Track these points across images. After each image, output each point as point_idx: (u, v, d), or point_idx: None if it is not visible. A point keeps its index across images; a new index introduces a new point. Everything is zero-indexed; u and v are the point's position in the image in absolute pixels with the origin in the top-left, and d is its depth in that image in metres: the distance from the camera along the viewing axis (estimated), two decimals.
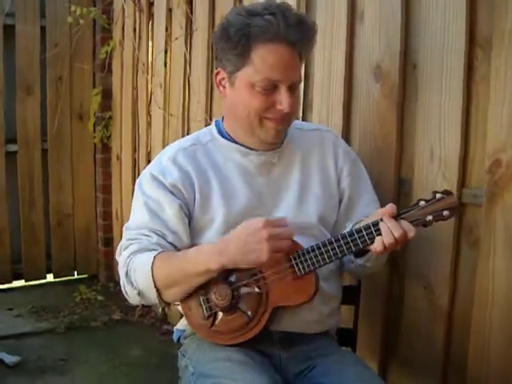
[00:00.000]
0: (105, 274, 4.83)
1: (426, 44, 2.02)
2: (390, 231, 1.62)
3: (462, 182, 1.94)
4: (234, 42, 1.71)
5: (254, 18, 1.69)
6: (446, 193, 1.65)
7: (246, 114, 1.78)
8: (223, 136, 1.91)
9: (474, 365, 1.90)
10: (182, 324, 1.98)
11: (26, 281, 4.74)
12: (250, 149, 1.87)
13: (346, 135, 2.34)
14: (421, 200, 1.66)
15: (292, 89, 1.76)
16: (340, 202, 1.96)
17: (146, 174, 1.89)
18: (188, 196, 1.83)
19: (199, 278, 1.71)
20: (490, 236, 1.82)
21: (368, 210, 1.90)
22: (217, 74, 1.83)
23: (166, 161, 1.87)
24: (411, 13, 2.09)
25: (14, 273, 4.70)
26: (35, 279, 4.77)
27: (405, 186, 2.14)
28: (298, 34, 1.70)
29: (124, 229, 1.88)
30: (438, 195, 1.65)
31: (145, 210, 1.82)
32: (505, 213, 1.78)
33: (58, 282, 4.86)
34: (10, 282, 4.70)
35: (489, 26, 1.83)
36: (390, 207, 1.66)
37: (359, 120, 2.31)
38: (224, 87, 1.83)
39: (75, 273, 4.97)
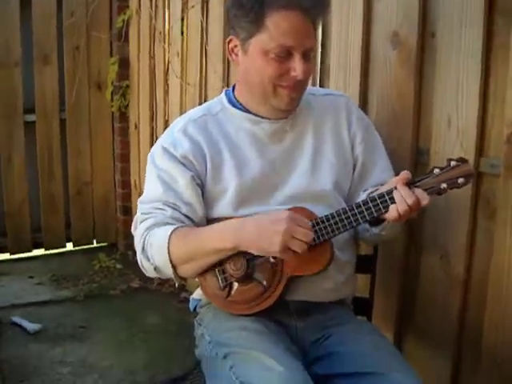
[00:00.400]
0: (124, 243, 4.86)
1: (444, 12, 1.99)
2: (403, 199, 1.61)
3: (480, 152, 1.92)
4: (246, 8, 1.69)
5: None
6: (461, 160, 1.64)
7: (259, 81, 1.76)
8: (234, 105, 1.89)
9: (490, 335, 1.90)
10: (198, 293, 1.99)
11: (45, 249, 4.80)
12: (262, 117, 1.85)
13: (364, 102, 2.32)
14: (435, 168, 1.65)
15: (306, 56, 1.74)
16: (354, 168, 1.94)
17: (157, 146, 1.89)
18: (199, 167, 1.83)
19: (215, 255, 1.72)
20: (506, 208, 1.81)
21: (382, 176, 1.89)
22: (229, 41, 1.81)
23: (177, 132, 1.86)
24: None
25: (34, 242, 4.76)
26: (55, 248, 4.83)
27: (422, 155, 2.12)
28: (311, 1, 1.68)
29: (138, 202, 1.88)
30: (453, 163, 1.63)
31: (158, 183, 1.82)
32: None
33: (78, 250, 4.91)
34: (30, 250, 4.76)
35: None
36: (405, 174, 1.65)
37: (376, 87, 2.28)
38: (236, 55, 1.81)
39: (94, 241, 5.02)
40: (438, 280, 2.08)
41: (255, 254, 1.68)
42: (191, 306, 2.05)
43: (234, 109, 1.89)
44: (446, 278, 2.05)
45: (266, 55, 1.71)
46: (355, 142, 1.94)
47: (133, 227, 1.90)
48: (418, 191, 1.62)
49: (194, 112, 1.94)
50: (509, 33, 1.78)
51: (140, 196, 1.89)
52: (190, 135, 1.85)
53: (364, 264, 2.08)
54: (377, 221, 1.77)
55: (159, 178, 1.83)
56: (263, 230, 1.62)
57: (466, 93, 1.92)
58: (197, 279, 1.85)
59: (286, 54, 1.71)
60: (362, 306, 2.11)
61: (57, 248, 4.84)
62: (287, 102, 1.79)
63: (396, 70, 2.17)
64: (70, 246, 4.90)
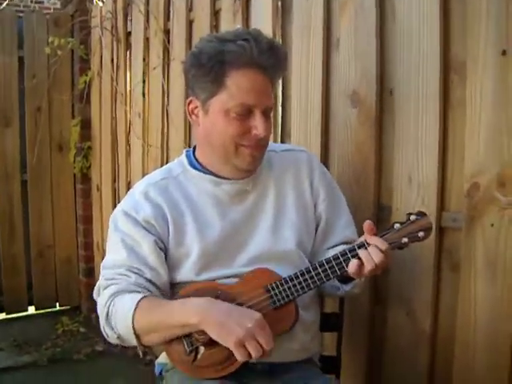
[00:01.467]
0: (87, 305, 4.77)
1: (401, 70, 2.03)
2: (370, 258, 1.62)
3: (442, 206, 1.94)
4: (206, 68, 1.70)
5: (227, 44, 1.69)
6: (420, 214, 1.67)
7: (221, 142, 1.76)
8: (194, 167, 1.89)
9: None
10: (163, 357, 1.95)
11: (7, 313, 4.69)
12: (223, 178, 1.85)
13: (325, 161, 2.34)
14: (395, 223, 1.67)
15: (266, 114, 1.75)
16: (317, 226, 1.95)
17: (118, 210, 1.87)
18: (162, 230, 1.81)
19: (179, 329, 1.68)
20: (470, 260, 1.82)
21: (345, 233, 1.91)
22: (189, 103, 1.82)
23: (138, 196, 1.85)
24: (386, 40, 2.10)
25: None
26: (16, 311, 4.73)
27: (384, 211, 2.14)
28: (270, 60, 1.71)
29: (101, 267, 1.85)
30: (412, 217, 1.66)
31: (121, 247, 1.80)
32: (484, 236, 1.78)
33: (40, 314, 4.82)
34: None
35: (463, 50, 1.84)
36: (368, 225, 1.67)
37: (337, 147, 2.31)
38: (197, 116, 1.82)
39: (57, 304, 4.93)
40: (405, 336, 2.07)
41: (213, 338, 1.61)
42: (157, 370, 2.01)
43: (194, 171, 1.88)
44: (413, 334, 2.04)
45: (227, 115, 1.72)
46: (318, 199, 1.94)
47: (95, 293, 1.86)
48: (376, 240, 1.64)
49: (155, 175, 1.94)
50: (464, 90, 1.82)
51: (103, 258, 1.87)
52: (151, 199, 1.83)
53: (330, 322, 2.07)
54: (347, 278, 1.78)
55: (122, 243, 1.81)
56: (230, 318, 1.58)
57: (426, 149, 1.95)
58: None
59: (246, 113, 1.72)
60: (330, 364, 2.09)
61: (18, 312, 4.73)
62: (249, 161, 1.79)
63: (356, 129, 2.20)
64: (32, 310, 4.80)
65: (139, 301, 1.70)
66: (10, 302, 4.68)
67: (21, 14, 4.65)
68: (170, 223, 1.81)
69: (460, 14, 1.86)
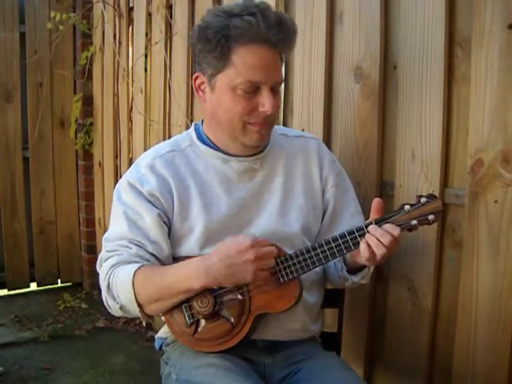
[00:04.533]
0: (89, 282, 4.80)
1: (405, 45, 2.01)
2: (379, 243, 1.59)
3: (444, 183, 1.93)
4: (213, 44, 1.66)
5: (233, 19, 1.64)
6: (431, 197, 1.64)
7: (228, 120, 1.73)
8: (203, 141, 1.87)
9: (459, 366, 1.88)
10: (163, 332, 1.96)
11: (8, 290, 4.71)
12: (231, 155, 1.83)
13: (327, 138, 2.33)
14: (405, 204, 1.64)
15: (274, 90, 1.72)
16: (324, 212, 1.93)
17: (123, 182, 1.85)
18: (166, 204, 1.79)
19: (182, 295, 1.69)
20: (472, 236, 1.82)
21: (352, 222, 1.87)
22: (196, 78, 1.78)
23: (144, 168, 1.82)
24: (390, 13, 2.09)
25: None
26: (18, 288, 4.74)
27: (387, 188, 2.13)
28: (278, 35, 1.66)
29: (103, 240, 1.84)
30: (423, 199, 1.63)
31: (124, 220, 1.78)
32: (487, 213, 1.77)
33: (42, 290, 4.83)
34: None
35: (468, 25, 1.82)
36: (377, 204, 1.65)
37: (340, 122, 2.29)
38: (203, 92, 1.78)
39: (59, 281, 4.95)
40: (406, 312, 2.07)
41: (227, 286, 1.66)
42: (157, 344, 2.01)
43: (203, 145, 1.86)
44: (415, 310, 2.04)
45: (234, 91, 1.69)
46: (327, 186, 1.92)
47: (97, 265, 1.86)
48: (388, 226, 1.61)
49: (162, 147, 1.90)
50: (469, 65, 1.80)
51: (105, 233, 1.86)
52: (157, 171, 1.81)
53: (332, 298, 2.06)
54: (355, 268, 1.77)
55: (125, 215, 1.79)
56: (231, 262, 1.59)
57: (429, 125, 1.94)
58: (163, 317, 1.82)
59: (253, 90, 1.68)
60: (331, 341, 2.09)
61: (20, 288, 4.75)
62: (257, 138, 1.76)
63: (359, 104, 2.18)
64: (33, 286, 4.82)
65: (138, 268, 1.70)
66: (12, 279, 4.69)
67: None
68: (175, 197, 1.79)
69: None
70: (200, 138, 1.88)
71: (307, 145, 1.95)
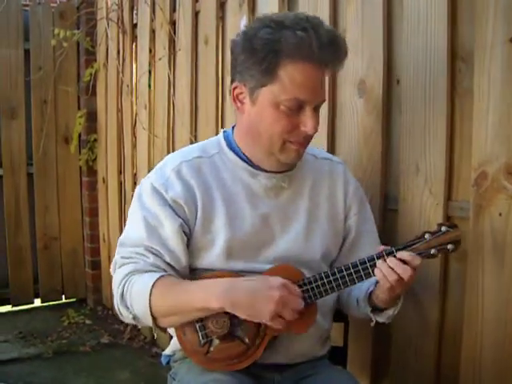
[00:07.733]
0: (93, 298, 4.79)
1: (408, 59, 2.02)
2: (391, 271, 1.57)
3: (448, 196, 1.94)
4: (259, 56, 1.58)
5: (285, 33, 1.56)
6: (451, 226, 1.62)
7: (267, 136, 1.68)
8: (233, 150, 1.80)
9: (466, 380, 1.88)
10: (170, 350, 1.93)
11: (12, 306, 4.70)
12: (260, 169, 1.78)
13: (332, 151, 2.33)
14: (426, 232, 1.62)
15: (316, 109, 1.68)
16: (344, 239, 1.91)
17: (146, 184, 1.78)
18: (190, 214, 1.72)
19: (199, 313, 1.64)
20: (477, 249, 1.81)
21: (371, 251, 1.76)
22: (234, 88, 1.70)
23: (170, 172, 1.75)
24: (393, 28, 2.10)
25: (1, 298, 4.66)
26: (22, 304, 4.74)
27: (391, 202, 2.13)
28: (330, 56, 1.61)
29: (118, 244, 1.78)
30: (444, 228, 1.61)
31: (142, 225, 1.72)
32: (492, 225, 1.77)
33: (46, 306, 4.83)
34: None
35: (470, 39, 1.83)
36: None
37: (344, 136, 2.31)
38: (242, 102, 1.71)
39: (63, 297, 4.95)
40: (412, 325, 2.07)
41: (242, 318, 1.59)
42: (163, 360, 1.99)
43: (231, 154, 1.80)
44: (421, 325, 2.03)
45: (277, 107, 1.63)
46: (350, 213, 1.90)
47: (111, 269, 1.80)
48: (405, 255, 1.58)
49: (190, 151, 1.83)
50: (472, 79, 1.81)
51: (109, 251, 1.83)
52: (184, 177, 1.74)
53: (337, 312, 2.06)
54: (377, 307, 1.75)
55: (144, 221, 1.72)
56: (256, 295, 1.56)
57: (433, 138, 1.94)
58: (174, 334, 1.80)
59: (297, 108, 1.63)
60: (337, 355, 2.08)
61: (24, 304, 4.75)
62: (295, 156, 1.72)
63: (363, 118, 2.19)
64: (37, 302, 4.81)
65: (156, 280, 1.64)
66: (16, 295, 4.69)
67: (26, 8, 4.64)
68: (199, 209, 1.73)
69: (468, 1, 1.85)
70: (230, 146, 1.82)
71: (334, 169, 1.91)
